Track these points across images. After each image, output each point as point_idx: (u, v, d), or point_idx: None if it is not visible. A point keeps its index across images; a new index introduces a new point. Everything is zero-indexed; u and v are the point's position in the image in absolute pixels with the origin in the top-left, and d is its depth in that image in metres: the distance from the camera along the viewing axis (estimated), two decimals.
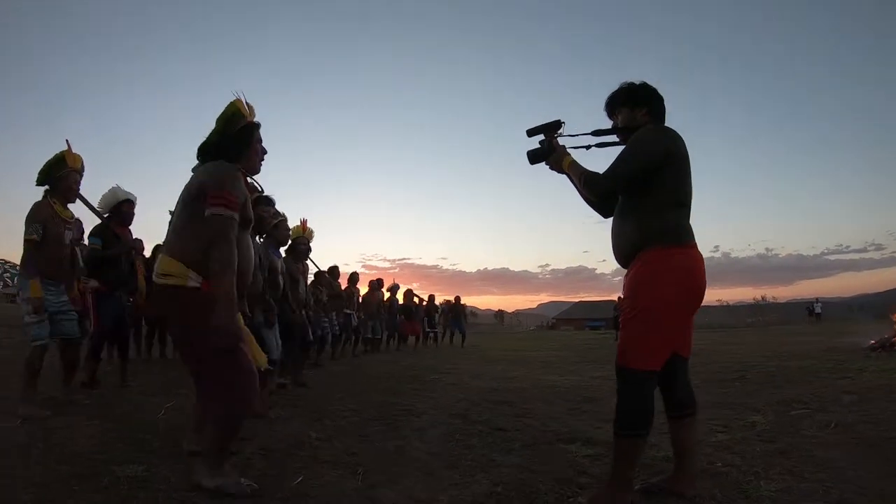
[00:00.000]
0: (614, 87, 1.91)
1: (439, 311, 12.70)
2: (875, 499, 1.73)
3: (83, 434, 2.49)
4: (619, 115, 1.93)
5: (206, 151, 1.93)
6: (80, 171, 3.23)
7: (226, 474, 1.78)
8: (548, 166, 1.98)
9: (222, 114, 1.92)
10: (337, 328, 7.12)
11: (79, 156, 3.23)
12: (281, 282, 3.85)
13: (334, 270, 7.53)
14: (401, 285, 10.60)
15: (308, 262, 5.11)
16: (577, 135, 1.97)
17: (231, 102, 1.94)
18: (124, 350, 4.18)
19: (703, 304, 1.83)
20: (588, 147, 1.98)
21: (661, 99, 1.91)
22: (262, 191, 3.00)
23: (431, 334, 12.07)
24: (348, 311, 7.80)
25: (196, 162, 1.96)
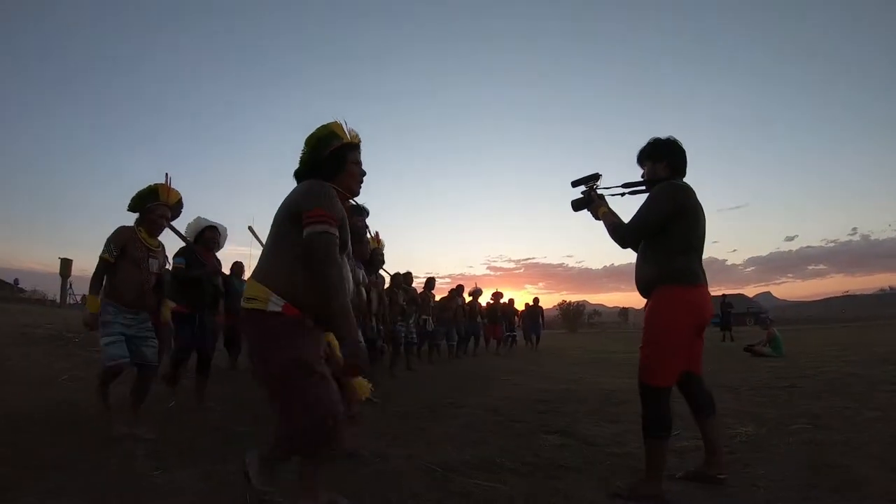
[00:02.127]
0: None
1: (518, 314, 12.74)
2: None
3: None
4: (645, 167, 2.33)
5: (301, 174, 1.93)
6: (170, 206, 3.21)
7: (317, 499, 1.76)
8: (591, 213, 2.39)
9: (313, 134, 1.92)
10: (413, 334, 7.45)
11: (175, 191, 3.22)
12: (366, 296, 4.47)
13: (408, 276, 7.72)
14: (483, 290, 10.95)
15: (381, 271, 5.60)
16: (612, 186, 2.43)
17: (324, 124, 1.93)
18: (204, 368, 4.04)
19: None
20: (622, 195, 2.43)
21: (682, 153, 2.26)
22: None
23: (510, 338, 12.10)
24: (424, 317, 8.15)
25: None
